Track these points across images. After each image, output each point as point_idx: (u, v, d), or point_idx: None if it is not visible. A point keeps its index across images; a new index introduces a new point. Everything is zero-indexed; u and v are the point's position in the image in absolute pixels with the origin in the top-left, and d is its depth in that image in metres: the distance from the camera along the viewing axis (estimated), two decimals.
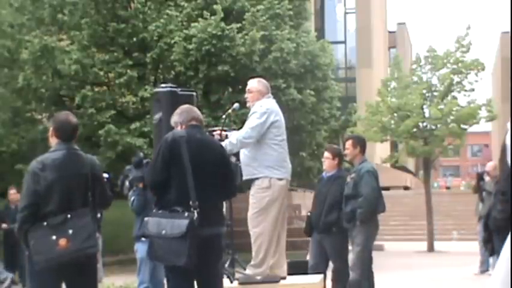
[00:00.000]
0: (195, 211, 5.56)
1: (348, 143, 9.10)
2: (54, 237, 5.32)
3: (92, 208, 5.58)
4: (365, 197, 8.65)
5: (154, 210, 5.80)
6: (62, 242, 5.32)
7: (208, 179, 5.78)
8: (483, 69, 25.82)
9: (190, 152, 5.73)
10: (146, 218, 5.79)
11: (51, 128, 5.74)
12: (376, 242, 9.85)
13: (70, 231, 5.35)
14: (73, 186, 5.52)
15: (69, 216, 5.39)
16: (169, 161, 5.74)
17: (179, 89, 7.86)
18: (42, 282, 5.53)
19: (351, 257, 8.84)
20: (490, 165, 14.17)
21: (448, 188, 60.00)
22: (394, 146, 43.26)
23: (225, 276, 7.29)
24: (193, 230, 5.48)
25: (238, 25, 19.20)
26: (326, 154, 9.37)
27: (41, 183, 5.44)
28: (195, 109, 6.13)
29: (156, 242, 5.59)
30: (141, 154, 9.07)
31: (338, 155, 9.32)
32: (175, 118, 6.05)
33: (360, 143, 9.12)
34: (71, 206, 5.45)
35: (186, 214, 5.55)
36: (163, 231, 5.53)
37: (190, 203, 5.60)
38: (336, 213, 8.95)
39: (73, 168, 5.56)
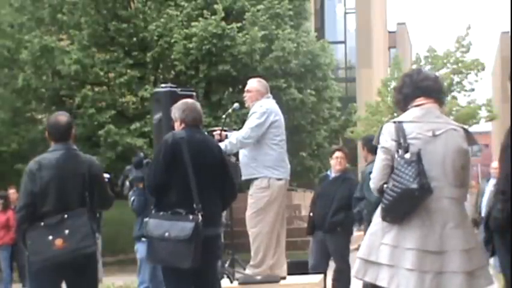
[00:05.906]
0: (199, 214, 5.56)
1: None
2: (50, 237, 5.31)
3: (90, 208, 5.55)
4: (367, 200, 8.65)
5: (153, 212, 5.77)
6: (58, 242, 5.31)
7: (208, 180, 5.76)
8: (483, 69, 25.86)
9: (191, 153, 5.70)
10: (146, 219, 5.76)
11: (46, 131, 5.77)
12: None
13: (66, 232, 5.33)
14: (70, 186, 5.50)
15: (66, 216, 5.38)
16: (170, 163, 5.70)
17: (180, 89, 7.84)
18: (41, 282, 5.52)
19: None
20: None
21: None
22: None
23: (225, 276, 7.30)
24: (198, 232, 5.48)
25: (239, 24, 19.19)
26: (340, 154, 9.26)
27: (38, 183, 5.43)
28: (199, 108, 6.05)
29: (158, 244, 5.55)
30: (141, 154, 9.06)
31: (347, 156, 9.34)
32: (177, 113, 5.96)
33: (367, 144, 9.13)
34: (68, 206, 5.44)
35: (191, 217, 5.53)
36: (166, 234, 5.50)
37: (194, 205, 5.58)
38: (344, 213, 8.92)
39: (69, 168, 5.54)
